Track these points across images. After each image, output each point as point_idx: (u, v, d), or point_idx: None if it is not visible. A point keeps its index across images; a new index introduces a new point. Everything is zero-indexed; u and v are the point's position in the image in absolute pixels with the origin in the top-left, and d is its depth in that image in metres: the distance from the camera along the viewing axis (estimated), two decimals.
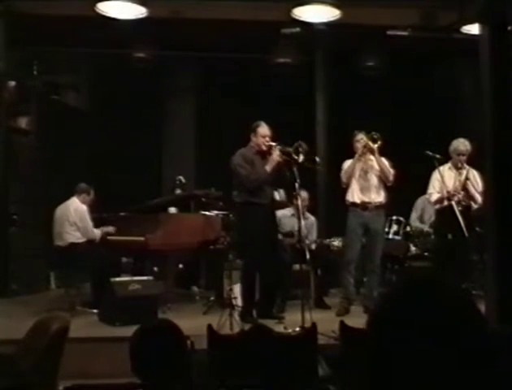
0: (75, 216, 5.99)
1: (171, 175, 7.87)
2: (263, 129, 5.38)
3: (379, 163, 5.61)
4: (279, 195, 6.42)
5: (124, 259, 6.80)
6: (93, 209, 6.29)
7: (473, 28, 5.41)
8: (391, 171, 5.63)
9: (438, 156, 5.59)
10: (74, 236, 5.98)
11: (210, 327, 3.37)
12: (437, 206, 5.73)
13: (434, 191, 5.67)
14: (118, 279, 5.56)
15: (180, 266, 6.73)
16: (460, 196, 5.49)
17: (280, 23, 6.96)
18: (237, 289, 5.52)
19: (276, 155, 5.27)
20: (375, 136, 5.57)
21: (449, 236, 5.44)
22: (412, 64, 7.97)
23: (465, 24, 5.75)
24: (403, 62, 7.81)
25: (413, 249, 6.80)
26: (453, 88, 8.85)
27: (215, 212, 6.34)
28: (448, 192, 5.50)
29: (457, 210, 5.40)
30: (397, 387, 0.89)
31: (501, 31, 4.69)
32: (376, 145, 5.55)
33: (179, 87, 9.18)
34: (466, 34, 5.80)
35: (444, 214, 5.61)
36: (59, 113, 7.93)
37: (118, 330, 4.82)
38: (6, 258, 6.96)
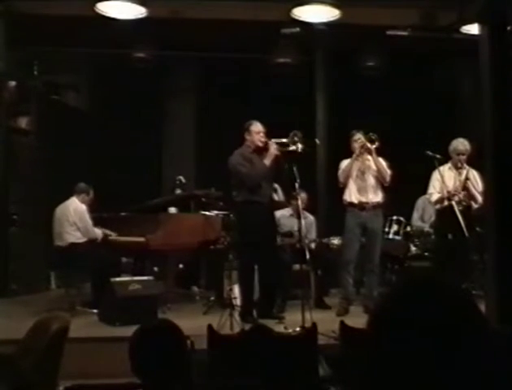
0: (75, 216, 5.99)
1: (171, 175, 7.87)
2: (256, 126, 5.44)
3: (376, 164, 5.61)
4: (277, 196, 6.42)
5: (124, 259, 6.80)
6: (93, 209, 6.29)
7: (473, 28, 5.41)
8: (388, 172, 5.64)
9: (438, 156, 5.60)
10: (74, 236, 5.98)
11: (210, 327, 3.37)
12: (437, 206, 5.74)
13: (434, 191, 5.67)
14: (118, 279, 5.56)
15: (180, 266, 6.73)
16: (460, 195, 5.49)
17: (280, 23, 6.95)
18: (237, 289, 5.52)
19: (274, 148, 5.31)
20: (373, 137, 5.57)
21: (449, 236, 5.45)
22: (412, 64, 7.97)
23: (465, 24, 5.75)
24: (403, 62, 7.81)
25: (413, 249, 6.80)
26: (453, 88, 8.85)
27: (215, 212, 6.34)
28: (448, 192, 5.50)
29: (457, 210, 5.40)
30: (397, 387, 0.89)
31: (500, 31, 4.69)
32: (374, 146, 5.55)
33: (179, 87, 9.17)
34: (466, 34, 5.79)
35: (444, 214, 5.61)
36: (59, 113, 7.93)
37: (118, 330, 4.82)
38: (6, 258, 6.96)
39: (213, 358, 3.27)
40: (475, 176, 5.56)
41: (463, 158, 5.57)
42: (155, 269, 6.23)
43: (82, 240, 6.01)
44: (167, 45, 7.94)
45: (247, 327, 4.20)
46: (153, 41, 7.69)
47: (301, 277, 5.50)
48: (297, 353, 3.39)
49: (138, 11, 5.57)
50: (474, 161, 5.56)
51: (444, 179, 5.54)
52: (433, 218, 6.26)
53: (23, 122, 7.55)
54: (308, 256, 5.26)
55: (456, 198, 5.48)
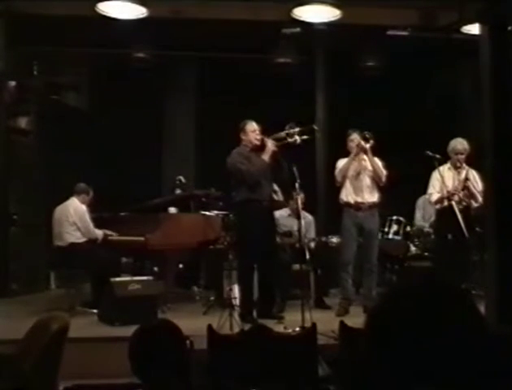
0: (75, 216, 5.99)
1: (171, 175, 7.88)
2: (251, 125, 5.49)
3: (371, 163, 5.62)
4: (277, 197, 6.43)
5: (124, 259, 6.80)
6: (93, 209, 6.29)
7: (473, 28, 5.41)
8: (383, 172, 5.64)
9: (438, 156, 5.59)
10: (74, 236, 5.98)
11: (210, 327, 3.37)
12: (437, 206, 5.74)
13: (434, 191, 5.67)
14: (118, 279, 5.56)
15: (180, 266, 6.73)
16: (460, 195, 5.49)
17: (280, 23, 6.96)
18: (237, 289, 5.52)
19: (271, 144, 5.34)
20: (367, 135, 5.57)
21: (449, 236, 5.45)
22: (412, 64, 7.96)
23: (465, 24, 5.75)
24: (403, 62, 7.80)
25: (413, 249, 6.81)
26: (453, 88, 8.85)
27: (215, 212, 6.34)
28: (448, 191, 5.50)
29: (457, 210, 5.40)
30: (394, 385, 0.89)
31: (501, 31, 4.69)
32: (368, 145, 5.55)
33: (179, 87, 9.18)
34: (466, 34, 5.79)
35: (444, 214, 5.61)
36: (59, 113, 7.92)
37: (118, 330, 4.81)
38: (6, 258, 6.96)
39: (213, 358, 3.27)
40: (474, 176, 5.56)
41: (462, 157, 5.57)
42: (155, 269, 6.23)
43: (82, 240, 6.01)
44: (167, 45, 7.93)
45: (247, 327, 4.21)
46: (153, 40, 7.68)
47: (300, 277, 5.50)
48: (297, 353, 3.39)
49: (139, 11, 5.57)
50: (473, 161, 5.56)
51: (444, 180, 5.54)
52: (433, 218, 6.26)
53: (22, 122, 7.55)
54: (308, 256, 5.26)
55: (456, 198, 5.49)
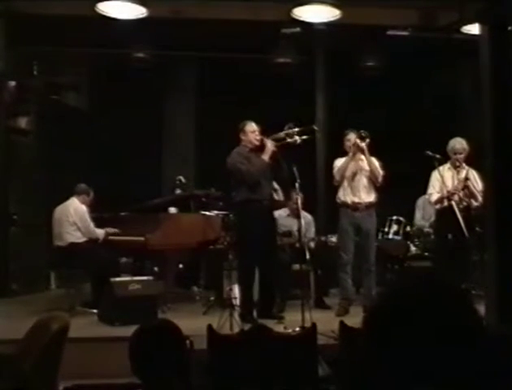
0: (76, 216, 5.99)
1: (171, 175, 7.88)
2: (251, 126, 5.50)
3: (369, 163, 5.62)
4: (277, 196, 6.42)
5: (124, 259, 6.80)
6: (93, 209, 6.29)
7: (473, 28, 5.41)
8: (380, 172, 5.64)
9: (438, 156, 5.59)
10: (74, 236, 5.98)
11: (210, 327, 3.37)
12: (437, 206, 5.73)
13: (434, 191, 5.67)
14: (118, 279, 5.56)
15: (180, 266, 6.73)
16: (460, 194, 5.49)
17: (280, 23, 6.96)
18: (237, 289, 5.52)
19: (270, 144, 5.35)
20: (363, 134, 5.57)
21: (449, 236, 5.44)
22: (412, 64, 7.96)
23: (465, 24, 5.74)
24: (403, 62, 7.80)
25: (413, 249, 6.81)
26: (453, 88, 8.85)
27: (215, 212, 6.34)
28: (448, 191, 5.50)
29: (457, 210, 5.40)
30: (393, 385, 0.89)
31: (501, 31, 4.69)
32: (365, 143, 5.55)
33: (179, 87, 9.18)
34: (466, 34, 5.79)
35: (444, 214, 5.61)
36: (59, 113, 7.93)
37: (117, 330, 4.81)
38: (6, 258, 6.96)
39: (213, 358, 3.27)
40: (474, 176, 5.56)
41: (461, 157, 5.57)
42: (155, 269, 6.23)
43: (82, 239, 6.01)
44: (167, 45, 7.93)
45: (247, 327, 4.20)
46: (153, 40, 7.68)
47: (300, 277, 5.50)
48: (297, 353, 3.39)
49: (139, 11, 5.57)
50: (473, 160, 5.56)
51: (443, 180, 5.54)
52: (433, 218, 6.26)
53: (22, 122, 7.55)
54: (308, 256, 5.25)
55: (456, 197, 5.48)
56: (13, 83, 7.12)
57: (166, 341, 2.08)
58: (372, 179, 5.65)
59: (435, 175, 5.65)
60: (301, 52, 8.01)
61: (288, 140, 5.38)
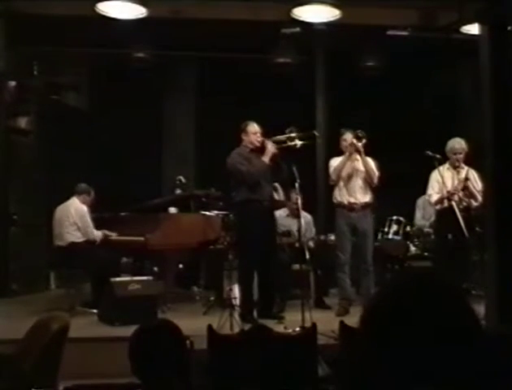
0: (76, 216, 6.00)
1: (171, 175, 7.88)
2: (253, 127, 5.49)
3: (364, 164, 5.62)
4: (278, 195, 6.43)
5: (124, 259, 6.80)
6: (93, 209, 6.29)
7: (473, 28, 5.41)
8: (376, 173, 5.64)
9: (438, 156, 5.59)
10: (74, 236, 5.99)
11: (210, 327, 3.37)
12: (437, 207, 5.73)
13: (433, 192, 5.66)
14: (118, 279, 5.56)
15: (180, 266, 6.73)
16: (460, 194, 5.49)
17: (280, 23, 6.96)
18: (237, 289, 5.52)
19: (271, 146, 5.35)
20: (360, 134, 5.57)
21: (449, 236, 5.44)
22: (412, 64, 7.96)
23: (465, 24, 5.75)
24: (403, 62, 7.80)
25: (413, 249, 6.80)
26: (453, 88, 8.85)
27: (215, 212, 6.34)
28: (448, 191, 5.50)
29: (457, 210, 5.40)
30: (393, 385, 0.89)
31: (500, 31, 4.68)
32: (361, 143, 5.55)
33: (179, 87, 9.18)
34: (465, 34, 5.79)
35: (444, 214, 5.60)
36: (59, 113, 7.93)
37: (117, 330, 4.82)
38: (6, 258, 6.96)
39: (213, 358, 3.27)
40: (474, 176, 5.56)
41: (460, 157, 5.57)
42: (155, 269, 6.23)
43: (82, 239, 6.01)
44: (167, 45, 7.93)
45: (247, 327, 4.20)
46: (153, 40, 7.69)
47: (300, 277, 5.51)
48: (297, 353, 3.38)
49: (138, 11, 5.57)
50: (472, 160, 5.56)
51: (443, 180, 5.54)
52: (433, 218, 6.25)
53: (22, 122, 7.55)
54: (308, 256, 5.25)
55: (455, 197, 5.48)
56: (13, 83, 7.12)
57: (166, 341, 2.08)
58: (368, 179, 5.65)
59: (434, 176, 5.65)
60: (301, 52, 8.01)
61: (289, 143, 5.38)
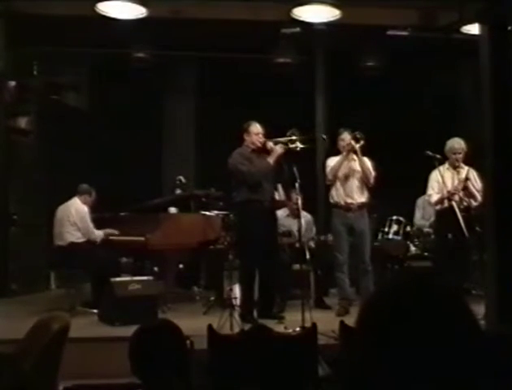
0: (76, 216, 6.00)
1: (171, 175, 7.88)
2: (255, 127, 5.48)
3: (361, 164, 5.62)
4: (278, 194, 6.43)
5: (124, 259, 6.80)
6: (93, 209, 6.29)
7: (473, 28, 5.41)
8: (372, 173, 5.64)
9: (438, 156, 5.59)
10: (74, 236, 5.99)
11: (210, 327, 3.37)
12: (438, 207, 5.73)
13: (433, 192, 5.66)
14: (118, 279, 5.56)
15: (180, 266, 6.73)
16: (460, 194, 5.49)
17: (280, 23, 6.96)
18: (237, 289, 5.52)
19: (279, 147, 5.35)
20: (358, 136, 5.58)
21: (449, 236, 5.44)
22: (412, 64, 7.96)
23: (465, 24, 5.75)
24: (403, 62, 7.80)
25: (413, 249, 6.80)
26: (453, 88, 8.85)
27: (215, 212, 6.34)
28: (448, 191, 5.50)
29: (457, 210, 5.40)
30: (392, 385, 0.89)
31: (501, 31, 4.69)
32: (358, 145, 5.56)
33: (179, 87, 9.18)
34: (465, 34, 5.79)
35: (444, 214, 5.60)
36: (59, 113, 7.92)
37: (118, 330, 4.82)
38: (6, 258, 6.96)
39: (213, 358, 3.27)
40: (474, 176, 5.56)
41: (460, 156, 5.57)
42: (155, 269, 6.23)
43: (82, 239, 6.01)
44: (167, 45, 7.93)
45: (247, 327, 4.21)
46: (153, 40, 7.69)
47: (300, 277, 5.51)
48: (297, 353, 3.38)
49: (138, 11, 5.57)
50: (472, 160, 5.56)
51: (444, 180, 5.54)
52: (433, 218, 6.25)
53: (23, 122, 7.55)
54: (308, 256, 5.24)
55: (456, 197, 5.48)
56: (13, 83, 7.12)
57: (166, 341, 2.08)
58: (364, 180, 5.65)
59: (433, 176, 5.65)
60: (301, 52, 8.01)
61: (290, 145, 5.37)
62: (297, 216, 5.30)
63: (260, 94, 8.35)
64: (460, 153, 5.57)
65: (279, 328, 4.67)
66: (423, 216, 6.87)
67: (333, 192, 5.72)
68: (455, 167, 5.59)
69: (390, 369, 0.88)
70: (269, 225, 5.50)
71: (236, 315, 4.98)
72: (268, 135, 5.52)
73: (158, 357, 2.03)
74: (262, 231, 5.31)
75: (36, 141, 7.64)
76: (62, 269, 6.48)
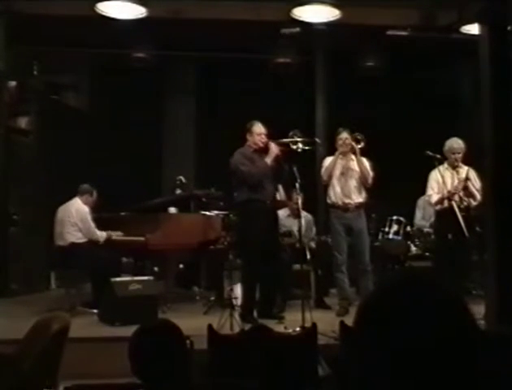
0: (77, 217, 5.99)
1: (171, 175, 7.88)
2: (258, 127, 5.47)
3: (359, 164, 5.62)
4: (279, 194, 6.43)
5: (124, 259, 6.80)
6: (93, 209, 6.28)
7: (473, 28, 5.41)
8: (370, 174, 5.64)
9: (438, 156, 5.59)
10: (75, 236, 5.98)
11: (210, 327, 3.37)
12: (438, 207, 5.73)
13: (433, 192, 5.66)
14: (118, 279, 5.56)
15: (180, 266, 6.73)
16: (461, 194, 5.49)
17: (280, 23, 6.96)
18: (238, 289, 5.52)
19: (274, 147, 5.36)
20: (359, 137, 5.58)
21: (449, 236, 5.44)
22: (412, 64, 7.97)
23: (465, 24, 5.75)
24: (403, 62, 7.81)
25: (413, 249, 6.80)
26: (453, 88, 8.85)
27: (215, 212, 6.34)
28: (448, 191, 5.50)
29: (457, 210, 5.40)
30: (386, 384, 0.89)
31: (500, 31, 4.69)
32: (359, 146, 5.56)
33: (179, 87, 9.18)
34: (465, 34, 5.80)
35: (444, 214, 5.60)
36: (59, 113, 7.93)
37: (118, 330, 4.82)
38: (6, 258, 6.96)
39: (213, 358, 3.27)
40: (474, 176, 5.56)
41: (459, 156, 5.58)
42: (155, 269, 6.23)
43: (83, 240, 6.01)
44: (166, 45, 7.94)
45: (247, 327, 4.21)
46: (153, 41, 7.69)
47: (301, 277, 5.50)
48: (297, 353, 3.39)
49: (138, 11, 5.57)
50: (471, 160, 5.57)
51: (444, 180, 5.54)
52: (433, 218, 6.26)
53: (23, 122, 7.55)
54: (308, 256, 5.24)
55: (456, 197, 5.48)
56: (13, 83, 7.12)
57: (166, 341, 2.08)
58: (362, 180, 5.65)
59: (433, 176, 5.65)
60: (301, 52, 8.01)
61: (292, 147, 5.38)
62: (298, 216, 5.30)
63: (260, 94, 8.36)
64: (459, 153, 5.57)
65: (280, 328, 4.67)
66: (424, 216, 6.87)
67: (331, 192, 5.72)
68: (454, 167, 5.59)
69: (390, 369, 0.88)
70: (270, 225, 5.49)
71: (236, 315, 4.98)
72: (272, 136, 5.50)
73: (158, 357, 2.03)
74: (264, 231, 5.31)
75: (36, 141, 7.64)
76: (62, 269, 6.48)
